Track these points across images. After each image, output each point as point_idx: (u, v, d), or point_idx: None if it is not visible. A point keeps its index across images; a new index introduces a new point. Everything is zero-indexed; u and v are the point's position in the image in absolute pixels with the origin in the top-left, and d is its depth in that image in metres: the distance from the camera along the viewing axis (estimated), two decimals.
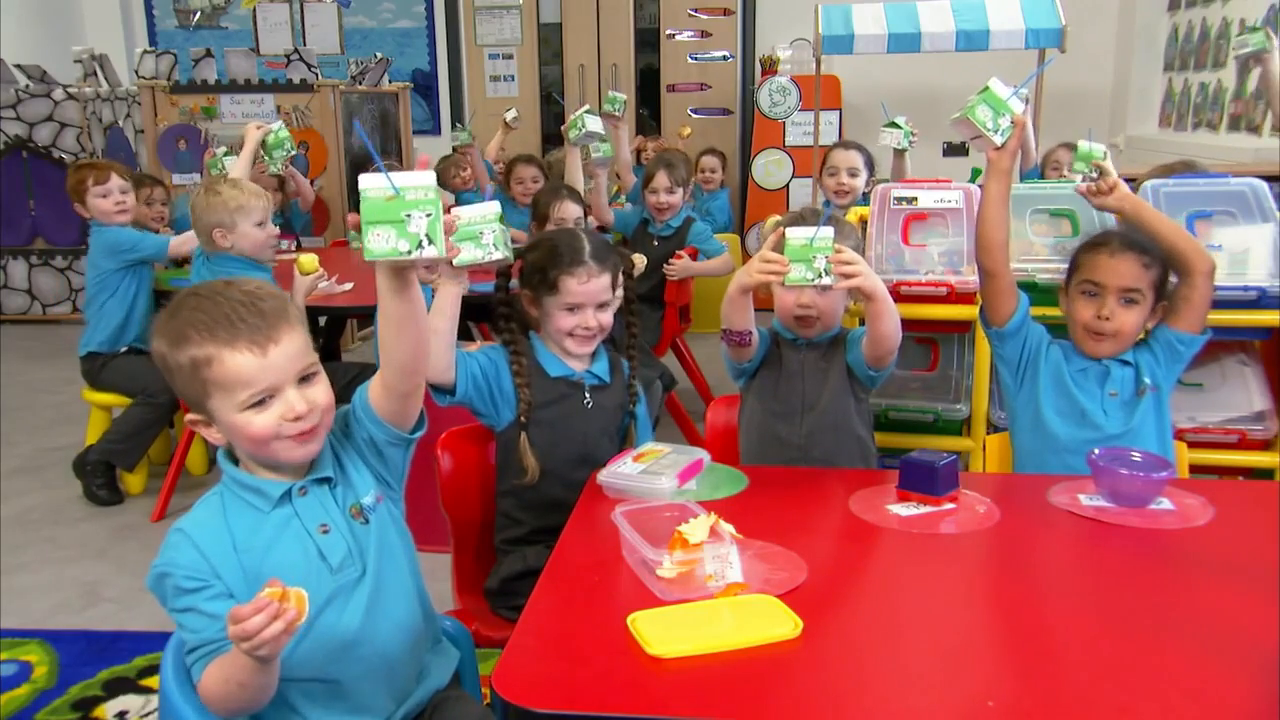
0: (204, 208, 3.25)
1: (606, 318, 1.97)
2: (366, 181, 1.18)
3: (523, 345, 1.98)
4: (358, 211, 1.20)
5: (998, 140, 1.93)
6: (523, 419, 1.93)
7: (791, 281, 1.75)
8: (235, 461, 1.40)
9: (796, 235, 1.73)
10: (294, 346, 1.33)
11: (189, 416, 1.37)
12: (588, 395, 1.98)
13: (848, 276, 1.76)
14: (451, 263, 1.65)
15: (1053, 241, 2.49)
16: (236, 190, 3.29)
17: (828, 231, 1.73)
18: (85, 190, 3.58)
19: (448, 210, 1.25)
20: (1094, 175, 3.29)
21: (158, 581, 1.32)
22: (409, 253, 1.16)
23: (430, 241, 1.16)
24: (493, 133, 5.46)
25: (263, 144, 3.83)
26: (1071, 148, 3.75)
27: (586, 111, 3.84)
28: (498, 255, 1.71)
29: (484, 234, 1.68)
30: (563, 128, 3.92)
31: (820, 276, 1.72)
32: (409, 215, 1.15)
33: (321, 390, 1.36)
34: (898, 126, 3.80)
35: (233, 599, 1.30)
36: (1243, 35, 3.52)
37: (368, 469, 1.45)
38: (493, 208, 1.71)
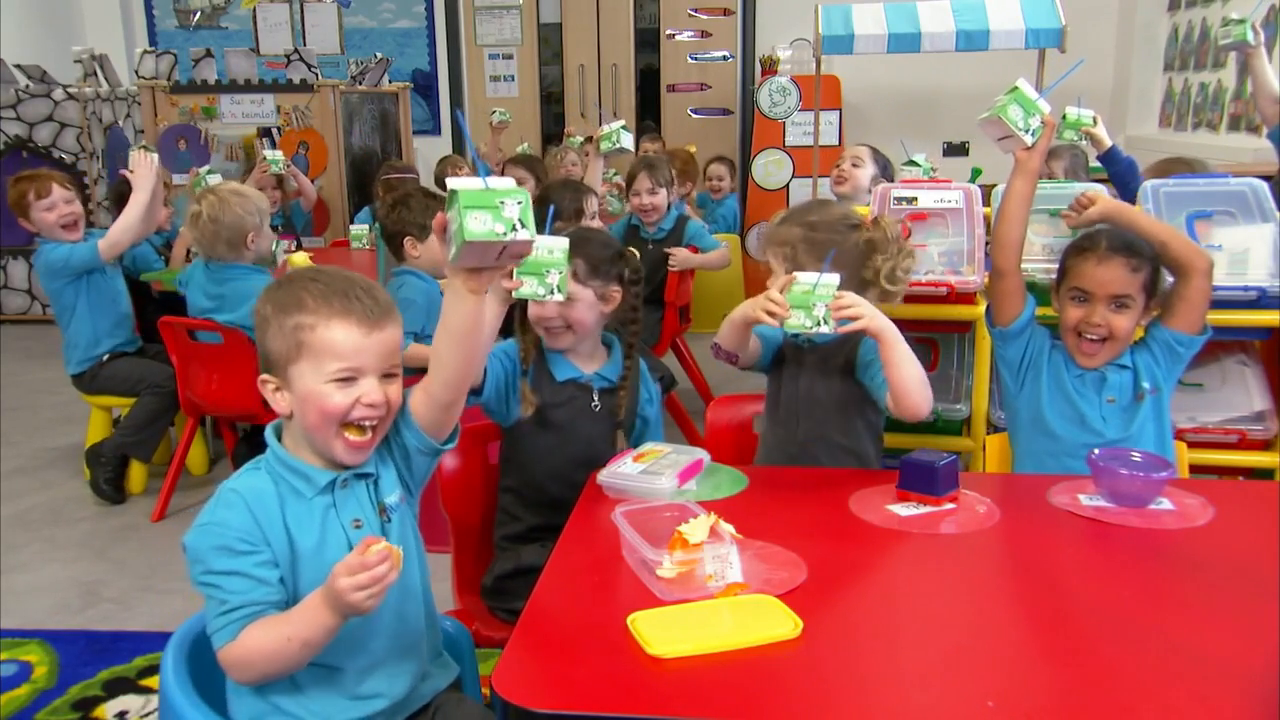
0: (232, 212, 3.23)
1: (575, 313, 1.92)
2: (456, 182, 1.25)
3: (529, 342, 1.97)
4: (444, 211, 1.28)
5: (1029, 140, 1.94)
6: (524, 369, 1.93)
7: (790, 328, 1.77)
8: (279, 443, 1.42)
9: (802, 280, 1.75)
10: (392, 341, 1.38)
11: (263, 375, 1.39)
12: (596, 398, 1.97)
13: (853, 318, 1.75)
14: (509, 285, 1.66)
15: (1053, 241, 2.49)
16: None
17: (831, 279, 1.74)
18: (28, 205, 3.46)
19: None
20: (1083, 140, 3.30)
21: (201, 536, 1.31)
22: (504, 234, 1.24)
23: (523, 225, 1.24)
24: (487, 134, 5.48)
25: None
26: (1048, 156, 3.77)
27: (622, 127, 3.85)
28: (558, 297, 1.72)
29: (550, 274, 1.70)
30: (567, 133, 3.93)
31: (819, 325, 1.73)
32: (503, 202, 1.24)
33: (396, 391, 1.40)
34: (916, 165, 3.77)
35: (278, 568, 1.32)
36: (1227, 25, 3.52)
37: (394, 471, 1.47)
38: (561, 244, 1.70)
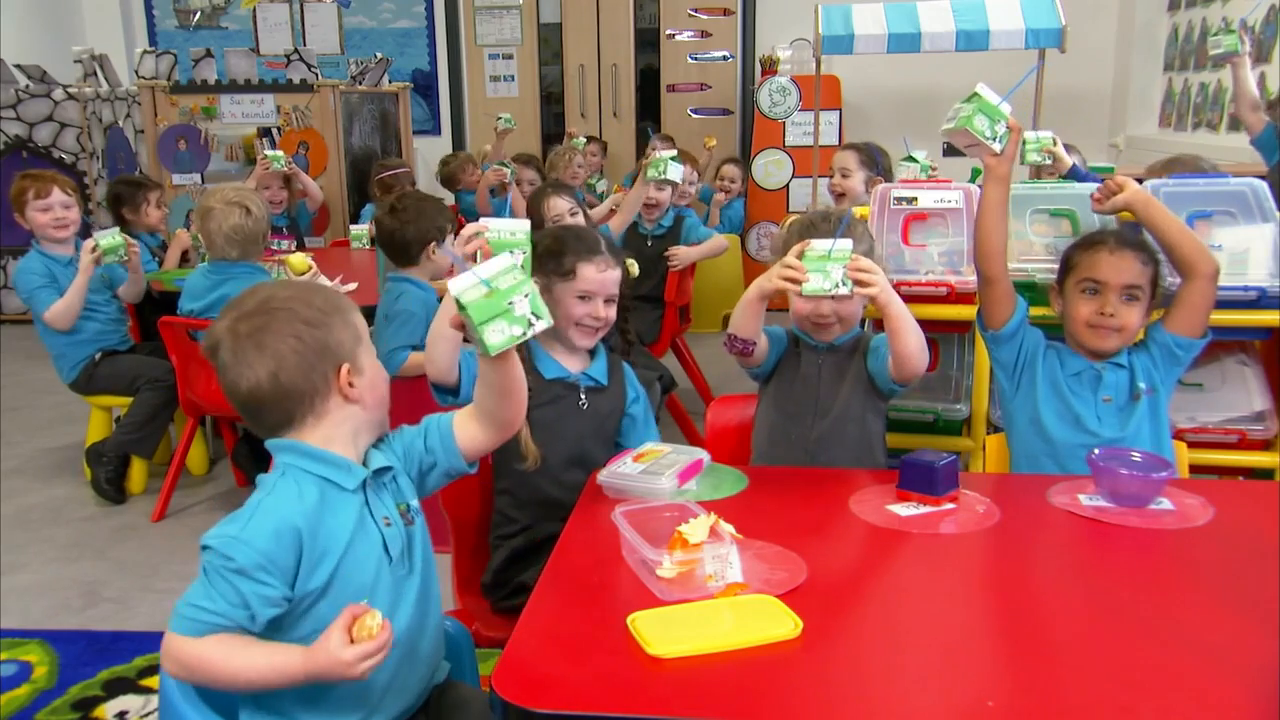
0: (252, 219, 3.29)
1: (612, 312, 1.99)
2: (455, 286, 1.25)
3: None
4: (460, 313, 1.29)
5: (997, 148, 1.92)
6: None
7: (809, 291, 1.78)
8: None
9: (817, 246, 1.78)
10: None
11: (346, 365, 1.39)
12: (583, 397, 1.98)
13: (864, 285, 1.78)
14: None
15: (1053, 241, 2.49)
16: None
17: (845, 243, 1.77)
18: (25, 202, 3.49)
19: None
20: (1048, 161, 3.33)
21: (222, 543, 1.28)
22: (523, 335, 1.26)
23: (538, 318, 1.26)
24: (489, 136, 5.49)
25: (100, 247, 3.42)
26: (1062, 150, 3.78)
27: (672, 158, 3.54)
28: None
29: (515, 254, 1.71)
30: (569, 134, 3.89)
31: (837, 287, 1.77)
32: (512, 303, 1.24)
33: None
34: (914, 160, 3.76)
35: (275, 608, 1.29)
36: (1217, 35, 3.57)
37: (407, 477, 1.48)
38: (523, 225, 1.73)
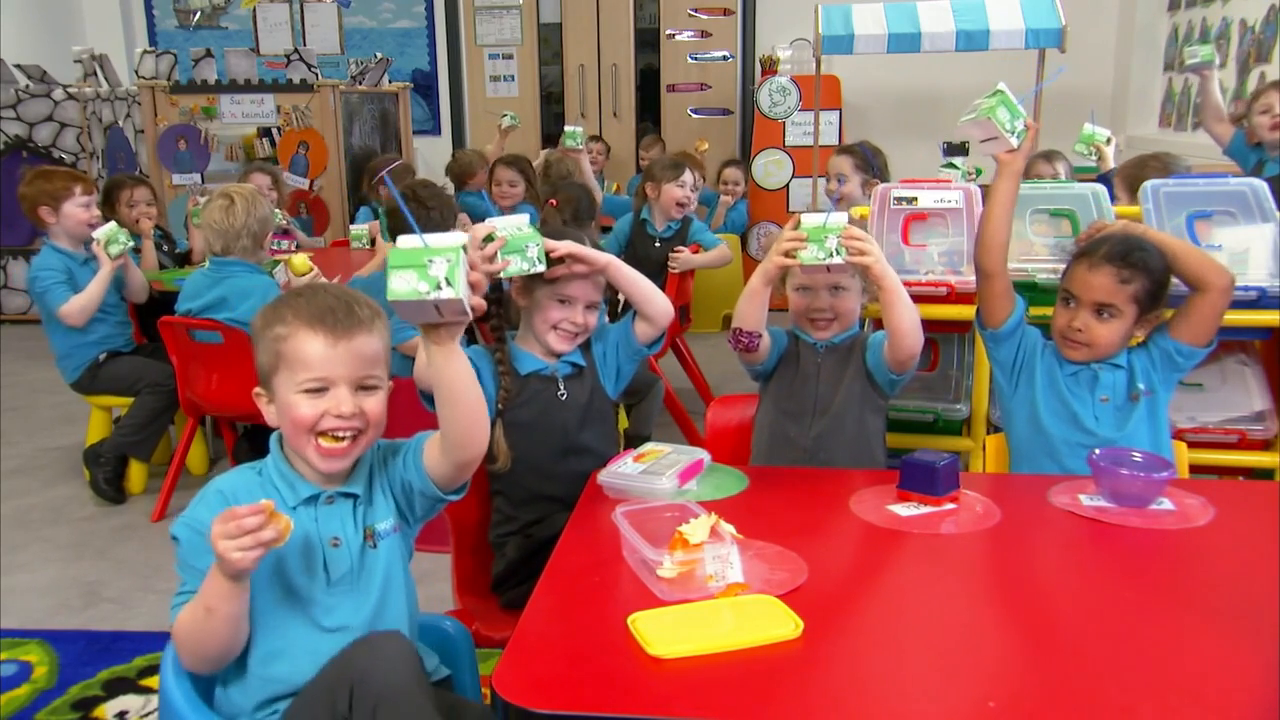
0: (262, 209, 3.30)
1: (593, 320, 1.97)
2: (402, 240, 1.26)
3: (504, 338, 1.99)
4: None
5: (1015, 142, 1.94)
6: (500, 405, 1.93)
7: (805, 259, 1.81)
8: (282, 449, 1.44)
9: (811, 218, 1.82)
10: (365, 350, 1.38)
11: (256, 390, 1.43)
12: (562, 387, 1.97)
13: (860, 254, 1.80)
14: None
15: (1053, 241, 2.49)
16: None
17: (840, 216, 1.81)
18: (69, 196, 3.49)
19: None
20: (1093, 157, 3.35)
21: (178, 528, 1.36)
22: (427, 293, 1.23)
23: (449, 283, 1.23)
24: (491, 135, 5.48)
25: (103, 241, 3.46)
26: (1050, 158, 3.82)
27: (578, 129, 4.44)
28: (541, 267, 1.81)
29: (529, 248, 1.79)
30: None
31: (831, 255, 1.80)
32: (431, 261, 1.23)
33: (375, 404, 1.39)
34: (955, 167, 3.78)
35: None
36: (1193, 45, 3.62)
37: (391, 501, 1.46)
38: (524, 220, 1.80)
